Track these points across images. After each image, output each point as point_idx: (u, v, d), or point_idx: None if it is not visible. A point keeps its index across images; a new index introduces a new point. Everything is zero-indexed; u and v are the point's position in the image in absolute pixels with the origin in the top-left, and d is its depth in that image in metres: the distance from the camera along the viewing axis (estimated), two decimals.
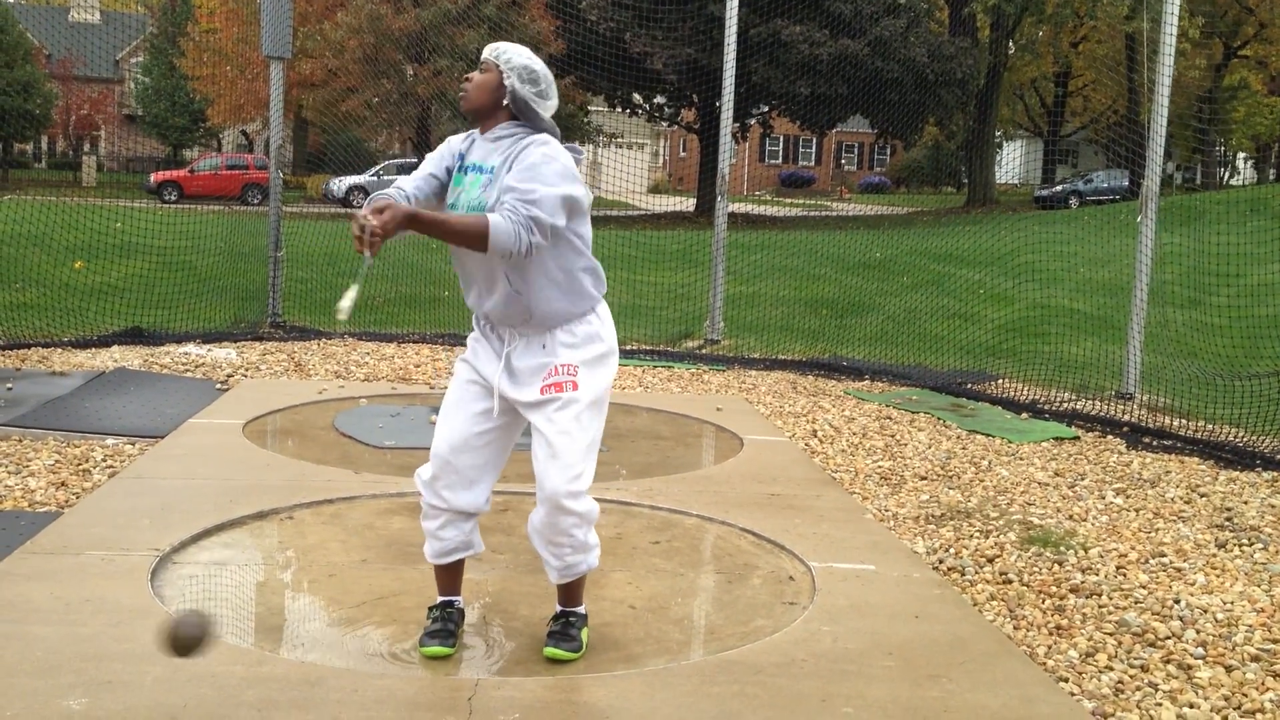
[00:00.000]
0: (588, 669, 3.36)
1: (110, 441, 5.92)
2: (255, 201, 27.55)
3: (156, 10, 44.06)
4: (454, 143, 3.38)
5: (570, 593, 3.47)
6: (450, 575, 3.52)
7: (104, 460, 5.55)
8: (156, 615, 3.55)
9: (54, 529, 4.36)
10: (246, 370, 8.20)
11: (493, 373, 3.33)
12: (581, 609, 3.51)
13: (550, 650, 3.40)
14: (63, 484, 5.12)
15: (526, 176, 3.13)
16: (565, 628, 3.45)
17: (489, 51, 3.31)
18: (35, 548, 4.14)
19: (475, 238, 3.06)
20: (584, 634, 3.48)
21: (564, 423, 3.24)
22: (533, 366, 3.30)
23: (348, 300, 2.90)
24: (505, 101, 3.27)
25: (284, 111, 10.57)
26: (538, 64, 3.30)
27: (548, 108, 3.32)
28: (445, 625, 3.46)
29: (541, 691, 3.16)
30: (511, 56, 3.28)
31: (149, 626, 3.44)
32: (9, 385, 7.08)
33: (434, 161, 3.35)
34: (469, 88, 3.29)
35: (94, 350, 8.74)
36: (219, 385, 7.54)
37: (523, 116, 3.28)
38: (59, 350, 8.65)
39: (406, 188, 3.27)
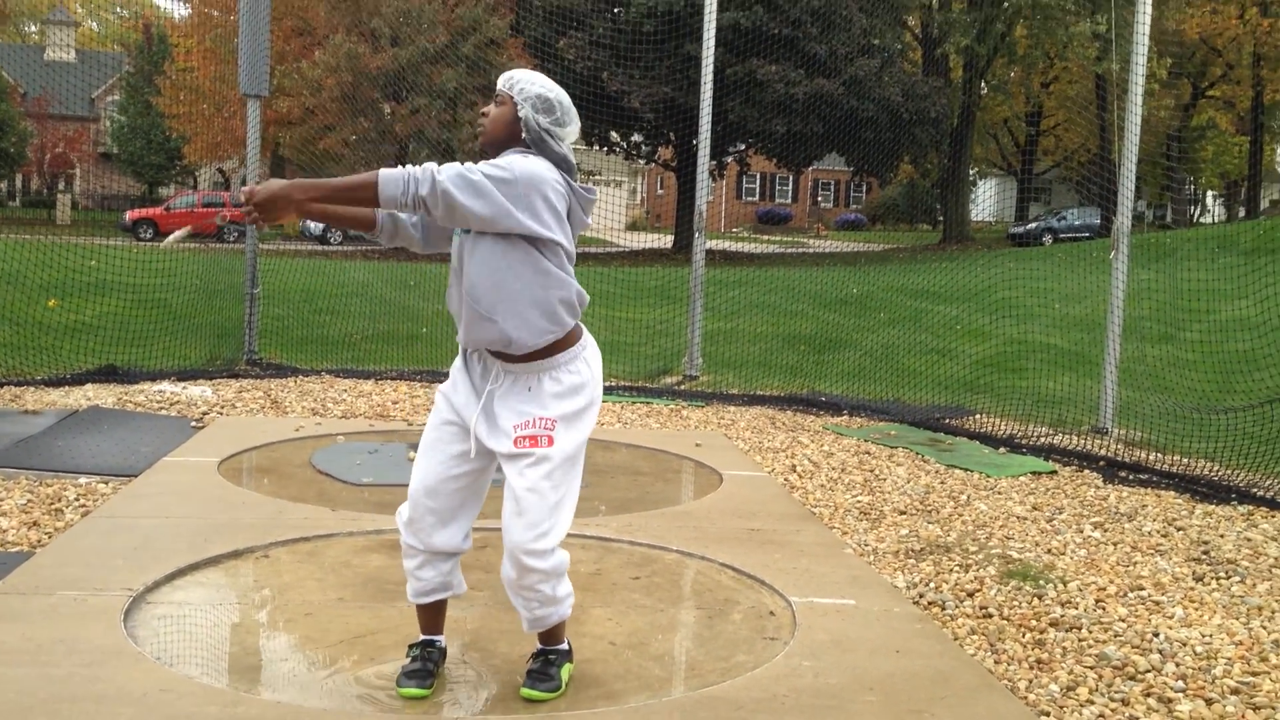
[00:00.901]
0: (568, 706, 3.33)
1: (83, 480, 5.86)
2: (231, 239, 27.47)
3: (133, 49, 44.09)
4: None
5: (549, 631, 3.42)
6: (432, 614, 3.48)
7: (77, 499, 5.49)
8: (129, 656, 3.51)
9: (26, 569, 4.30)
10: (222, 408, 8.15)
11: (470, 413, 3.27)
12: (563, 645, 3.47)
13: (526, 691, 3.35)
14: (35, 524, 5.06)
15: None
16: (544, 666, 3.41)
17: (503, 82, 3.25)
18: (7, 588, 4.08)
19: (365, 186, 2.98)
20: (564, 671, 3.44)
21: (534, 479, 3.17)
22: (513, 411, 3.23)
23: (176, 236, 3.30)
24: (522, 134, 3.20)
25: (261, 149, 10.58)
26: (553, 90, 3.23)
27: (567, 134, 3.24)
28: (424, 665, 3.42)
29: None
30: (525, 86, 3.21)
31: (122, 666, 3.40)
32: None
33: None
34: (485, 122, 3.24)
35: (67, 388, 8.67)
36: (194, 423, 7.48)
37: (536, 148, 3.20)
38: (31, 389, 8.57)
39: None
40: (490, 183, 3.03)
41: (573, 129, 3.27)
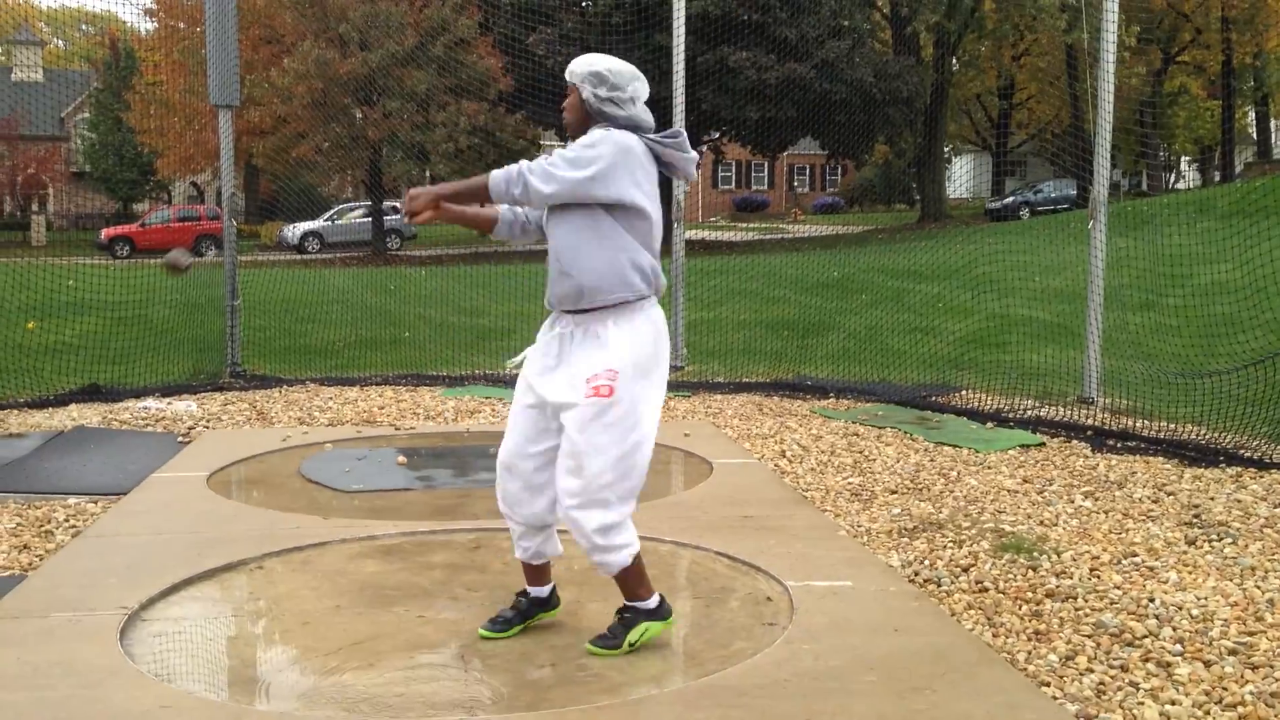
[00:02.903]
0: (570, 701, 3.33)
1: (72, 501, 5.83)
2: (209, 252, 27.34)
3: (100, 65, 43.79)
4: None
5: (622, 585, 3.64)
6: (534, 571, 3.78)
7: (66, 520, 5.46)
8: (128, 674, 3.49)
9: (18, 592, 4.28)
10: (208, 421, 8.11)
11: (544, 379, 3.51)
12: (641, 604, 3.65)
13: (589, 646, 3.62)
14: (25, 547, 5.03)
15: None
16: (614, 624, 3.65)
17: (566, 73, 3.52)
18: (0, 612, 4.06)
19: (480, 185, 3.39)
20: (635, 632, 3.62)
21: (593, 431, 3.42)
22: (584, 363, 3.45)
23: None
24: (589, 114, 3.48)
25: (235, 160, 10.51)
26: (602, 63, 3.46)
27: (629, 94, 3.47)
28: (503, 611, 3.76)
29: None
30: (578, 69, 3.47)
31: (120, 686, 3.38)
32: None
33: None
34: (565, 114, 3.53)
35: (51, 410, 8.62)
36: (180, 438, 7.45)
37: (600, 119, 3.46)
38: (15, 411, 8.52)
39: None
40: (563, 164, 3.34)
41: (634, 87, 3.48)
